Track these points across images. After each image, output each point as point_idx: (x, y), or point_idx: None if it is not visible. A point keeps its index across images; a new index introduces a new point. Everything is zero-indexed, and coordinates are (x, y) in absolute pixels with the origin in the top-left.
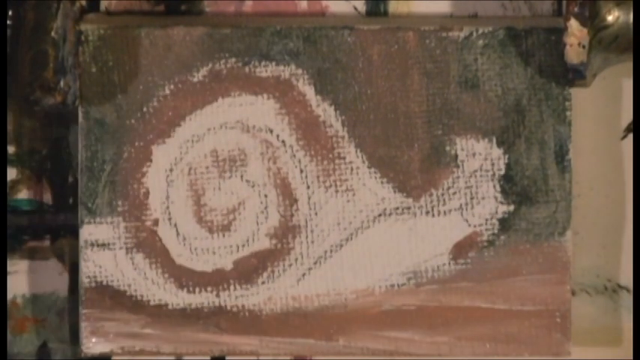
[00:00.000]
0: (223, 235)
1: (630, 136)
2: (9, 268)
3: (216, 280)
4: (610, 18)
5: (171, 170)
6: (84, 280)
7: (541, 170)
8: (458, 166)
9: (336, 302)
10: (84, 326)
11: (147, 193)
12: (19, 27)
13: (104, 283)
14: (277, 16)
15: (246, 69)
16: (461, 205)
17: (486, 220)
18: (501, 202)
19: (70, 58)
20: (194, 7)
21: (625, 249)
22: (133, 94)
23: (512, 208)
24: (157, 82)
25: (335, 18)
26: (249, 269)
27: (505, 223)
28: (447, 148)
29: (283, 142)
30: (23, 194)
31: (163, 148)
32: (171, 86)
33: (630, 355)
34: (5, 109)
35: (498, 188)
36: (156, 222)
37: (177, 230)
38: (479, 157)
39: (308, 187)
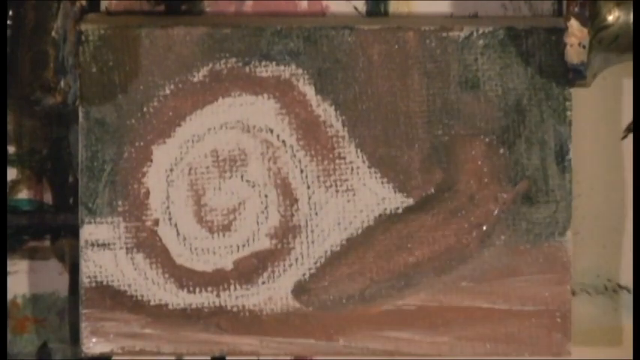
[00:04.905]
0: (223, 235)
1: (630, 136)
2: (9, 268)
3: (217, 280)
4: (610, 18)
5: (171, 170)
6: (84, 280)
7: (541, 170)
8: None
9: (336, 302)
10: (84, 326)
11: (147, 193)
12: (19, 27)
13: (104, 283)
14: (277, 16)
15: (247, 69)
16: (461, 205)
17: (486, 220)
18: (501, 202)
19: (70, 58)
20: (194, 7)
21: (625, 249)
22: (133, 94)
23: (512, 208)
24: (157, 82)
25: (335, 18)
26: (250, 269)
27: (505, 223)
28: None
29: (283, 142)
30: (23, 194)
31: (163, 148)
32: (172, 86)
33: (630, 355)
34: (5, 109)
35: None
36: (156, 222)
37: (177, 230)
38: None
39: (308, 187)
